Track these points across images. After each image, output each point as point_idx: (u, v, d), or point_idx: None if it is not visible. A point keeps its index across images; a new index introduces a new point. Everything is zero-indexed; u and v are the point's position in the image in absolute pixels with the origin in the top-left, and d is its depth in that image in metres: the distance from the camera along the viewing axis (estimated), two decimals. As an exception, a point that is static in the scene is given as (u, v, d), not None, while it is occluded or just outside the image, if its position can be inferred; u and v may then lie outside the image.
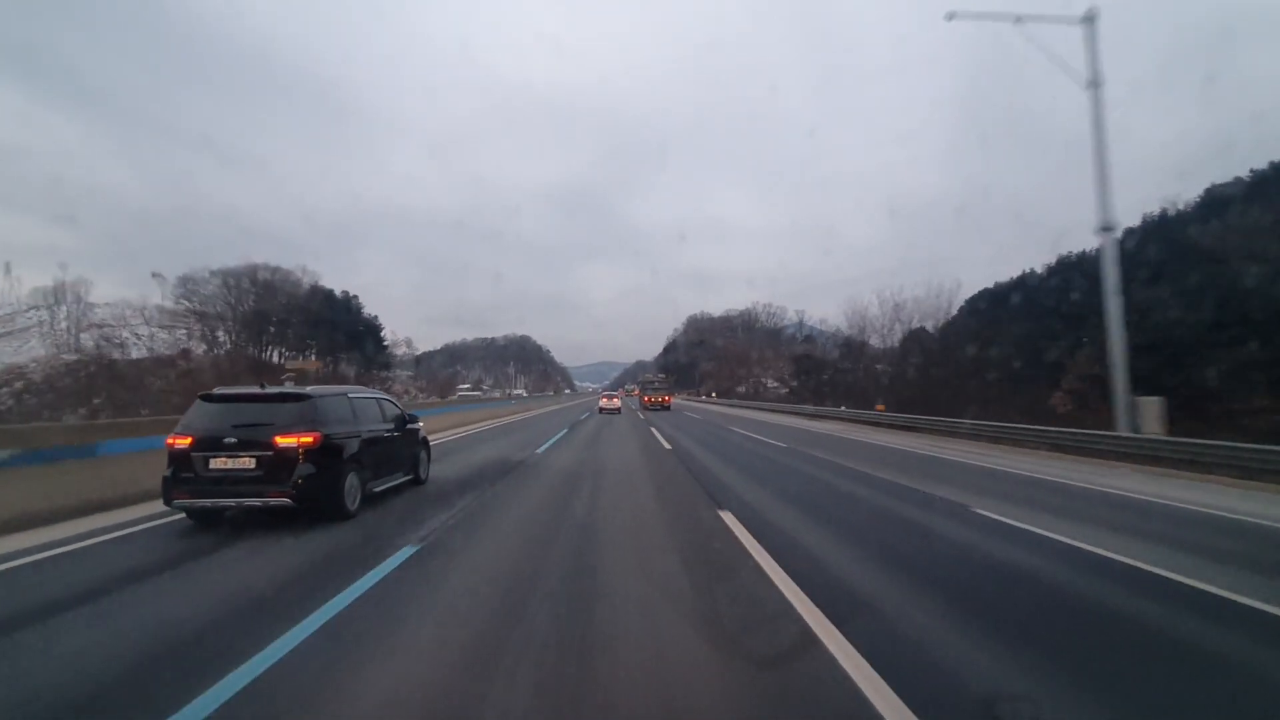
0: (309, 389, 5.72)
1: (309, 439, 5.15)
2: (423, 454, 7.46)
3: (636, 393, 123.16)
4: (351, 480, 5.47)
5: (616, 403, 29.76)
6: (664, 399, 33.63)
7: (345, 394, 6.05)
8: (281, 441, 5.06)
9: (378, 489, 6.08)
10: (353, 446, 5.58)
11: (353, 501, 5.50)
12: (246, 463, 5.02)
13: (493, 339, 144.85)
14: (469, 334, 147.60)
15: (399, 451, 6.67)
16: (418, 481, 7.21)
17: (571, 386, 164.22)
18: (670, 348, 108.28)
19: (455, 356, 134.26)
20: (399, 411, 7.00)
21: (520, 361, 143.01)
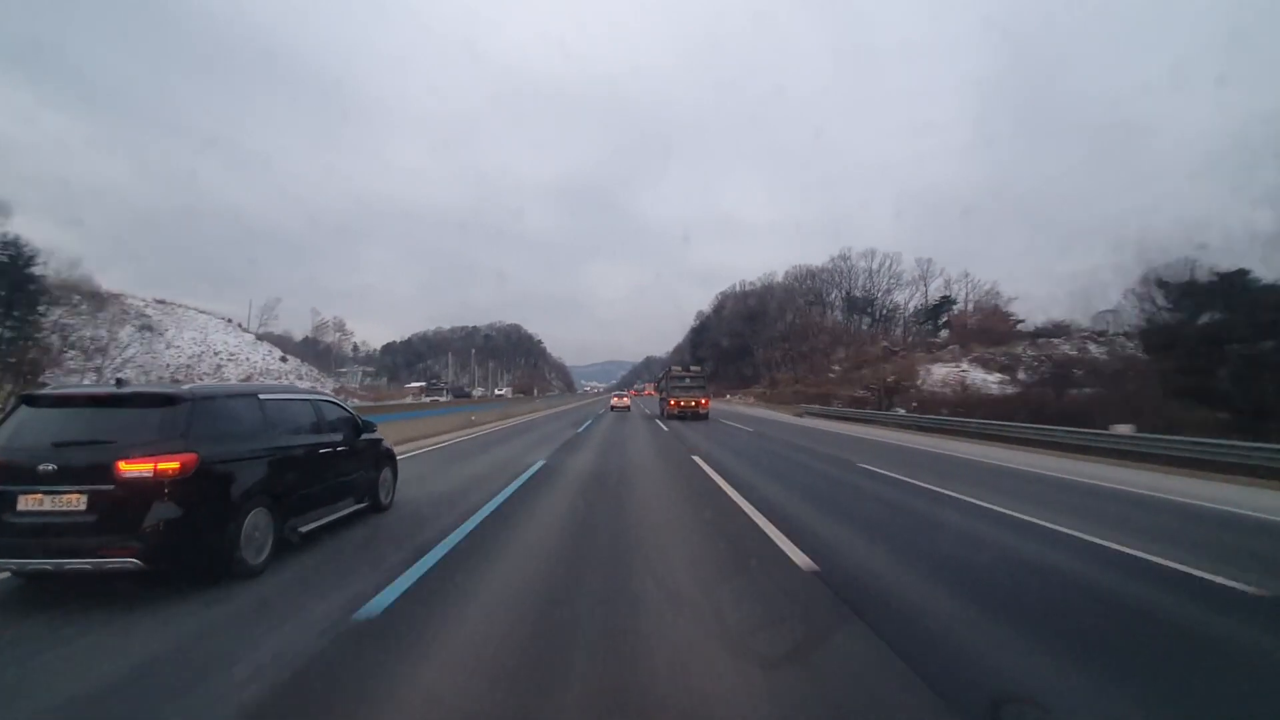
0: (187, 387, 4.51)
1: (174, 464, 3.95)
2: (386, 473, 6.72)
3: (649, 392, 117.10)
4: (256, 522, 4.43)
5: (626, 401, 40.62)
6: (699, 402, 26.49)
7: (254, 394, 5.03)
8: (128, 469, 3.85)
9: (307, 527, 5.12)
10: (260, 471, 4.55)
11: (258, 553, 4.44)
12: (72, 501, 3.82)
13: (474, 328, 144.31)
14: (446, 323, 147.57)
15: (347, 472, 5.84)
16: (378, 508, 6.45)
17: (571, 386, 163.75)
18: (698, 333, 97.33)
19: (429, 349, 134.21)
20: (348, 415, 6.15)
21: (508, 355, 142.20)
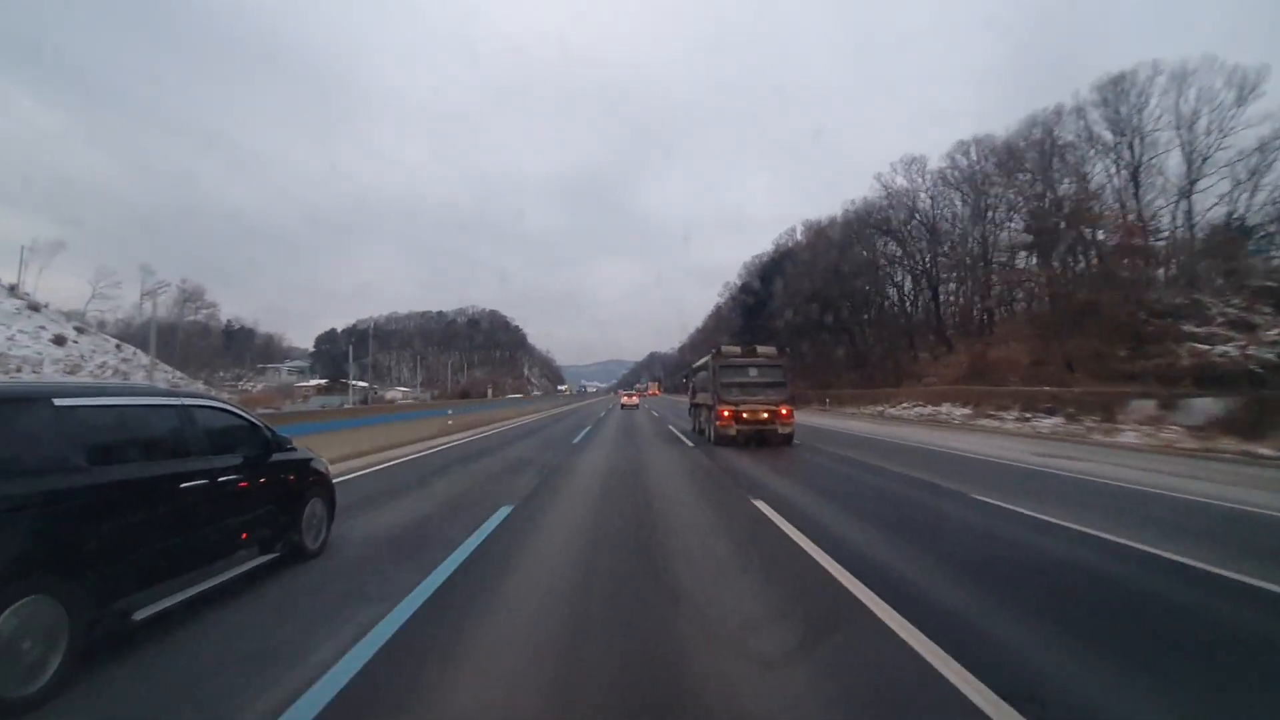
0: None
1: None
2: (315, 506, 5.41)
3: (652, 392, 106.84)
4: (23, 621, 2.85)
5: (635, 400, 49.16)
6: (775, 413, 15.89)
7: (44, 399, 3.39)
8: None
9: (152, 609, 3.54)
10: (34, 530, 3.01)
11: (28, 678, 2.81)
12: None
13: (440, 313, 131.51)
14: (404, 308, 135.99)
15: (242, 510, 4.53)
16: (300, 555, 5.12)
17: (559, 382, 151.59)
18: (754, 296, 66.70)
19: (382, 340, 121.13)
20: (247, 425, 4.84)
21: (482, 347, 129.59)
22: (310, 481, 5.40)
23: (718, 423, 15.73)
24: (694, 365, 21.84)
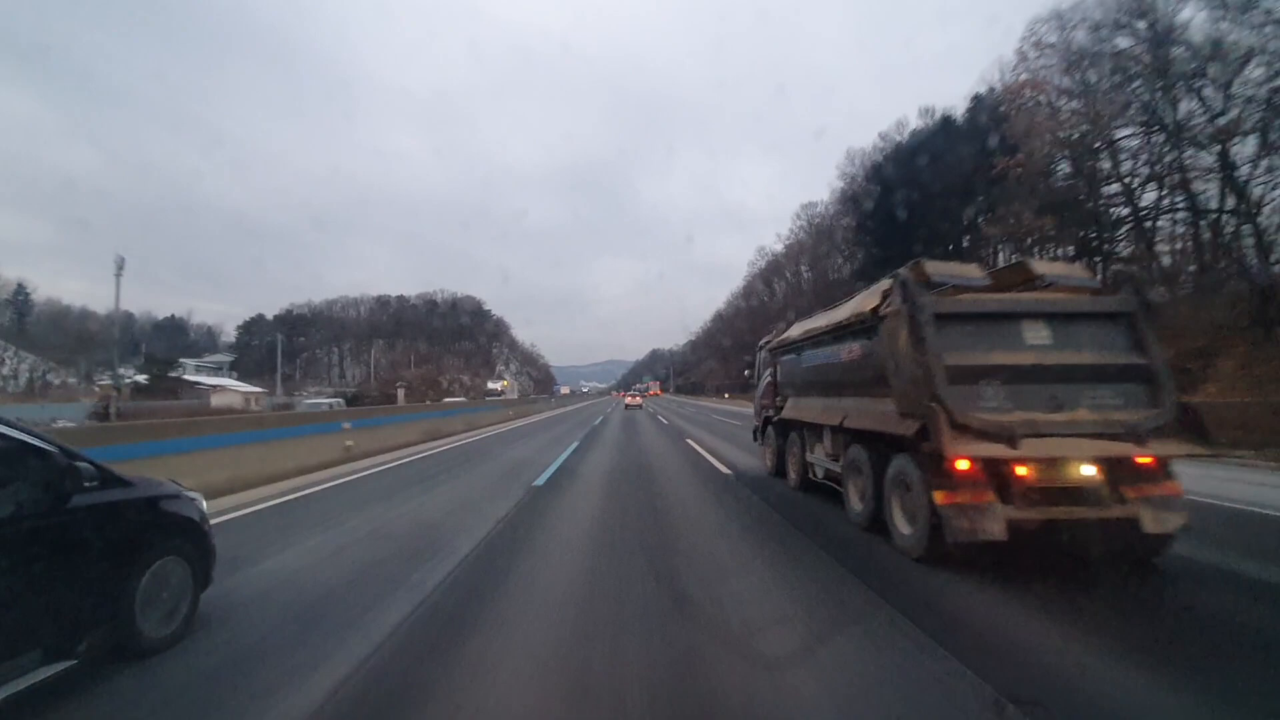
0: None
1: None
2: (167, 569, 3.58)
3: (654, 392, 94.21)
4: None
5: (639, 400, 50.33)
6: (1130, 465, 4.04)
7: None
8: None
9: None
10: None
11: None
12: None
13: (399, 297, 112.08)
14: (357, 291, 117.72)
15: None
16: (129, 649, 3.30)
17: (551, 382, 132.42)
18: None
19: (322, 329, 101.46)
20: (27, 448, 3.05)
21: (449, 338, 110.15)
22: (157, 533, 3.58)
23: (943, 498, 4.42)
24: (779, 338, 8.96)
